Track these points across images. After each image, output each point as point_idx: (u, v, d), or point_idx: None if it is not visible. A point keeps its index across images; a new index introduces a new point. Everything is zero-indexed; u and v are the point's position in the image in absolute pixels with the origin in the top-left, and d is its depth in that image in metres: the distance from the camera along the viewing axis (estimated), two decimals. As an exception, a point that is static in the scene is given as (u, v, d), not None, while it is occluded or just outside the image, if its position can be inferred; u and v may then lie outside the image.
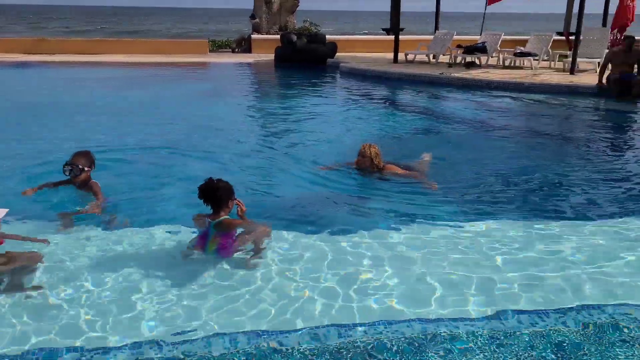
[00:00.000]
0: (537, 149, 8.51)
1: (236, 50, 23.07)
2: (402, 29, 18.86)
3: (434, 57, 18.20)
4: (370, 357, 3.29)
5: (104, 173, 6.01)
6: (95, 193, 5.44)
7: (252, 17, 23.40)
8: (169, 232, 4.97)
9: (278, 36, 20.41)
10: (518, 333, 3.51)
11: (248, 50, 22.67)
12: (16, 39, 23.80)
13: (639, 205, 5.92)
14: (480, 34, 19.04)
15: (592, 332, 3.53)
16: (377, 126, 10.08)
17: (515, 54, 16.86)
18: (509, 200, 6.03)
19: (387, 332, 3.54)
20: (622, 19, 16.61)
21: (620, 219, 5.44)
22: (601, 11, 18.43)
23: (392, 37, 19.01)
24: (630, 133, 10.35)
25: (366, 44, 23.32)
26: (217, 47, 24.02)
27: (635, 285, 4.13)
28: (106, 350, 3.34)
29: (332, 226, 5.14)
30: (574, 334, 3.51)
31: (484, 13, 20.14)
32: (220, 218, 4.39)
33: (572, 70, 15.05)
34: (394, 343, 3.41)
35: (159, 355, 3.30)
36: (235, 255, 4.45)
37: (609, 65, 12.84)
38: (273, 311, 3.76)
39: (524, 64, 16.77)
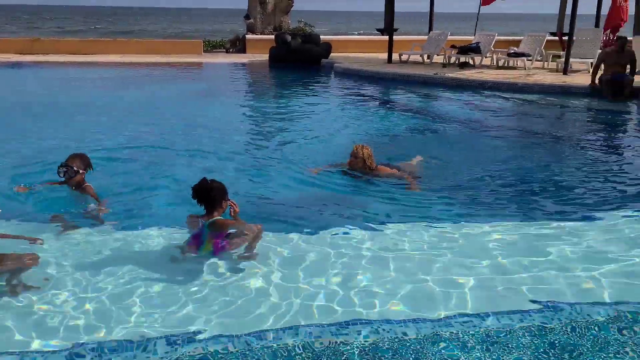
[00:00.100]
0: (530, 149, 8.55)
1: (230, 50, 23.05)
2: (396, 29, 18.91)
3: (428, 58, 18.24)
4: (367, 357, 3.30)
5: (97, 173, 6.00)
6: (91, 196, 5.45)
7: (247, 17, 23.38)
8: (162, 233, 4.97)
9: (272, 36, 20.40)
10: (511, 332, 3.54)
11: (242, 50, 22.65)
12: (10, 39, 23.71)
13: (631, 205, 5.96)
14: (474, 35, 19.09)
15: (589, 331, 3.56)
16: (371, 126, 10.10)
17: (509, 55, 16.92)
18: (503, 200, 6.06)
19: (384, 331, 3.55)
20: (616, 19, 16.69)
21: (615, 218, 5.48)
22: (594, 12, 18.51)
23: (386, 37, 19.05)
24: (622, 133, 10.41)
25: (360, 44, 23.34)
26: (212, 47, 23.99)
27: (632, 283, 4.17)
28: (101, 350, 3.34)
29: (325, 227, 5.16)
30: (571, 332, 3.54)
31: (478, 13, 20.21)
32: (214, 218, 4.39)
33: (565, 70, 15.12)
34: (390, 342, 3.43)
35: (154, 356, 3.31)
36: (229, 254, 4.45)
37: (602, 66, 12.91)
38: (269, 310, 3.77)
39: (517, 64, 16.83)
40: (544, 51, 16.90)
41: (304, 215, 5.49)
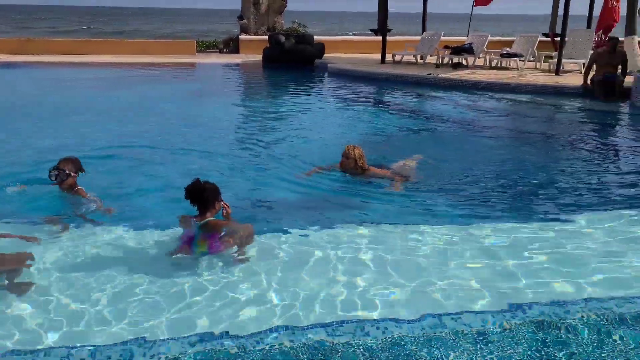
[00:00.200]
0: (523, 149, 8.59)
1: (224, 50, 23.03)
2: (389, 30, 18.93)
3: (421, 58, 18.29)
4: (364, 356, 3.31)
5: (90, 173, 5.98)
6: (85, 198, 5.44)
7: (240, 17, 23.37)
8: (155, 233, 4.96)
9: (266, 37, 20.39)
10: (507, 330, 3.56)
11: (236, 50, 22.63)
12: (2, 40, 23.59)
13: (625, 204, 6.00)
14: (467, 35, 19.15)
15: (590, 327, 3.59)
16: (365, 126, 10.12)
17: (502, 55, 16.99)
18: (496, 200, 6.09)
19: (378, 331, 3.56)
20: (607, 20, 16.77)
21: (607, 217, 5.52)
22: (586, 13, 18.60)
23: (379, 37, 19.08)
24: (614, 133, 10.48)
25: (354, 44, 23.38)
26: (205, 47, 23.96)
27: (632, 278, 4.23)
28: (96, 351, 3.34)
29: (318, 227, 5.16)
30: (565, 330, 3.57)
31: (471, 14, 20.27)
32: (206, 219, 4.39)
33: (558, 71, 15.20)
34: (384, 341, 3.44)
35: (148, 354, 3.32)
36: (221, 254, 4.46)
37: (594, 66, 12.99)
38: (265, 310, 3.78)
39: (510, 64, 16.90)
40: (536, 52, 16.98)
41: (297, 216, 5.49)
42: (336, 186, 6.39)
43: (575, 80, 14.05)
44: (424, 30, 19.84)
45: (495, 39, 19.59)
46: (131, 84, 14.77)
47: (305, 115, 11.17)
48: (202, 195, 4.40)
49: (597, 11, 17.74)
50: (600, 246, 4.82)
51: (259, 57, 19.89)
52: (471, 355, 3.30)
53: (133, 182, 6.42)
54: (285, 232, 5.04)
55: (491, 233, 5.10)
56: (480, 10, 20.77)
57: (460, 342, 3.43)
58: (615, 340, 3.45)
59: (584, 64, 14.64)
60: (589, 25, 18.19)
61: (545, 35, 19.27)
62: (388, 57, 18.29)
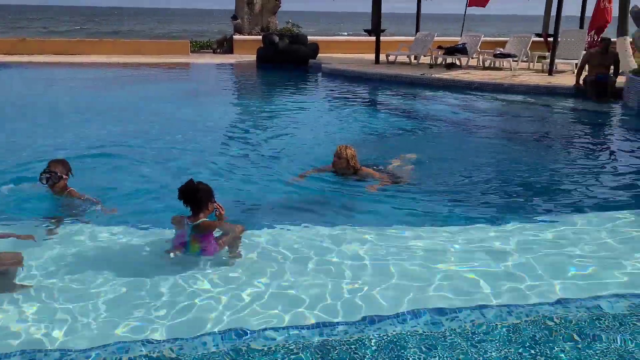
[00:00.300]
0: (516, 149, 8.63)
1: (218, 51, 22.99)
2: (383, 30, 18.96)
3: (415, 58, 18.32)
4: (356, 354, 3.33)
5: (83, 174, 5.99)
6: (78, 199, 5.42)
7: (234, 17, 23.34)
8: (147, 233, 4.97)
9: (260, 37, 20.38)
10: (499, 327, 3.59)
11: (230, 51, 22.60)
12: (-6, 39, 23.50)
13: (614, 202, 6.05)
14: (461, 36, 19.20)
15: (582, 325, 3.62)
16: (358, 127, 10.14)
17: (495, 55, 17.04)
18: (489, 199, 6.12)
19: (372, 329, 3.59)
20: (600, 20, 16.86)
21: (601, 216, 5.57)
22: (578, 13, 18.70)
23: (373, 38, 19.10)
24: (606, 133, 10.54)
25: (348, 44, 23.39)
26: (199, 47, 23.92)
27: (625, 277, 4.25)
28: (89, 351, 3.34)
29: (313, 227, 5.19)
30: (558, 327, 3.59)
31: (464, 15, 20.33)
32: (199, 220, 4.40)
33: (551, 71, 15.27)
34: (379, 339, 3.46)
35: (144, 354, 3.32)
36: (215, 254, 4.47)
37: (586, 67, 13.06)
38: (260, 309, 3.80)
39: (503, 65, 16.95)
40: (529, 52, 17.05)
41: (290, 216, 5.50)
42: (329, 186, 6.39)
43: (567, 80, 14.12)
44: (417, 30, 19.88)
45: (488, 39, 19.65)
46: (124, 84, 14.74)
47: (299, 115, 11.18)
48: (195, 196, 4.40)
49: (589, 12, 17.83)
50: (594, 245, 4.86)
51: (252, 57, 19.88)
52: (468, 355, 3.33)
53: (126, 182, 6.41)
54: (279, 232, 5.06)
55: (485, 232, 5.13)
56: (475, 10, 20.83)
57: (456, 340, 3.45)
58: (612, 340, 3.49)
59: (576, 64, 14.71)
60: (581, 26, 18.28)
61: (538, 35, 19.35)
62: (382, 57, 18.31)
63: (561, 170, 7.40)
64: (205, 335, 3.50)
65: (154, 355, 3.31)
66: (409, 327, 3.60)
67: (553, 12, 16.38)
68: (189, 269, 4.30)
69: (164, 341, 3.43)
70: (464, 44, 17.65)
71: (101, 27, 65.71)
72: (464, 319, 3.71)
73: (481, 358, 3.28)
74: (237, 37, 22.71)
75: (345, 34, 45.57)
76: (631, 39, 14.68)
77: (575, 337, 3.49)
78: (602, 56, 12.72)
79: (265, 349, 3.37)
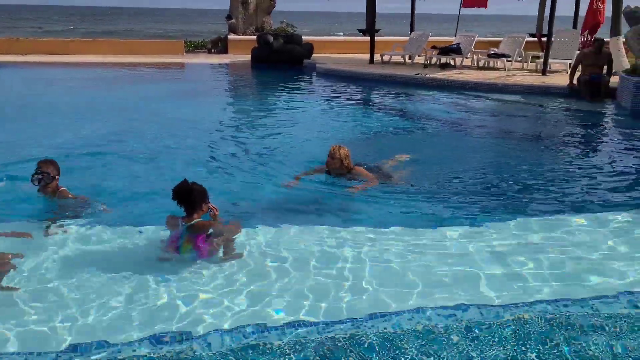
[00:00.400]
0: (510, 148, 8.66)
1: (212, 50, 22.97)
2: (378, 30, 18.97)
3: (409, 58, 18.35)
4: (352, 352, 3.34)
5: (75, 174, 5.98)
6: (68, 199, 5.38)
7: (229, 17, 23.32)
8: (142, 233, 4.96)
9: (254, 37, 20.37)
10: (495, 325, 3.61)
11: (224, 50, 22.58)
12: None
13: (606, 201, 6.08)
14: (455, 36, 19.25)
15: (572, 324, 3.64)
16: (352, 126, 10.16)
17: (489, 55, 17.10)
18: (483, 198, 6.14)
19: (367, 327, 3.60)
20: (592, 20, 16.95)
21: (593, 214, 5.62)
22: (572, 14, 18.80)
23: (368, 38, 19.12)
24: (600, 132, 10.58)
25: (342, 44, 23.41)
26: (194, 47, 23.88)
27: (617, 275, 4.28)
28: (83, 351, 3.34)
29: (307, 227, 5.20)
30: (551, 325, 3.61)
31: (459, 15, 20.38)
32: (193, 221, 4.40)
33: (544, 71, 15.32)
34: (373, 338, 3.47)
35: (139, 353, 3.32)
36: (210, 256, 4.46)
37: (580, 67, 13.12)
38: (255, 308, 3.80)
39: (497, 65, 17.00)
40: (523, 52, 17.11)
41: (285, 217, 5.49)
42: (322, 188, 6.36)
43: (561, 80, 14.18)
44: (412, 30, 19.91)
45: (482, 39, 19.69)
46: (118, 84, 14.70)
47: (293, 115, 11.18)
48: (189, 196, 4.39)
49: (582, 12, 17.93)
50: (587, 243, 4.89)
51: (247, 57, 19.87)
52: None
53: (119, 183, 6.40)
54: (273, 233, 5.06)
55: (478, 232, 5.15)
56: (469, 10, 20.89)
57: (450, 338, 3.47)
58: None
59: (570, 64, 14.78)
60: (574, 26, 18.37)
61: (532, 35, 19.42)
62: (376, 57, 18.34)
63: (554, 170, 7.43)
64: (201, 335, 3.50)
65: (152, 355, 3.31)
66: (409, 325, 3.62)
67: (547, 13, 16.44)
68: (183, 270, 4.30)
69: (161, 341, 3.43)
70: (458, 44, 17.70)
71: (95, 27, 65.46)
72: (460, 317, 3.73)
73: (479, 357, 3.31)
74: (231, 37, 22.69)
75: (342, 33, 45.54)
76: (624, 39, 14.75)
77: (577, 335, 3.52)
78: (595, 56, 12.79)
79: (265, 348, 3.38)
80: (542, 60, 15.65)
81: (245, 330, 3.55)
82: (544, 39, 16.07)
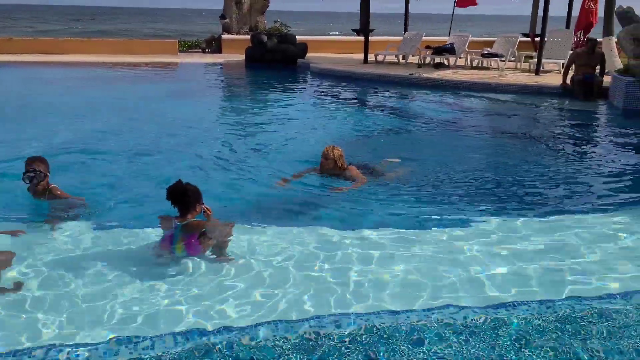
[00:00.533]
0: (503, 148, 8.69)
1: (206, 50, 22.93)
2: (372, 30, 18.99)
3: (403, 58, 18.38)
4: (347, 349, 3.35)
5: (70, 173, 5.96)
6: (59, 197, 5.32)
7: (222, 17, 23.29)
8: (136, 233, 4.95)
9: (248, 36, 20.35)
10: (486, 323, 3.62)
11: (218, 50, 22.55)
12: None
13: (600, 200, 6.12)
14: (449, 35, 19.30)
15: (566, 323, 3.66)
16: (347, 126, 10.16)
17: (483, 55, 17.14)
18: (478, 198, 6.16)
19: (361, 325, 3.61)
20: (586, 20, 17.02)
21: (587, 213, 5.66)
22: (565, 13, 18.87)
23: (362, 37, 19.14)
24: (593, 131, 10.64)
25: (336, 44, 23.41)
26: (187, 47, 23.83)
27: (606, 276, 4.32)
28: (79, 350, 3.33)
29: (303, 227, 5.20)
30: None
31: (452, 15, 20.43)
32: (187, 220, 4.39)
33: (538, 71, 15.38)
34: (372, 336, 3.48)
35: (134, 353, 3.32)
36: (200, 253, 4.47)
37: (573, 66, 13.18)
38: (246, 306, 3.81)
39: (491, 64, 17.05)
40: (516, 52, 17.17)
41: (279, 218, 5.49)
42: (316, 189, 6.36)
43: (554, 80, 14.24)
44: (406, 30, 19.94)
45: (476, 39, 19.74)
46: (112, 84, 14.66)
47: (287, 115, 11.18)
48: (183, 197, 4.38)
49: (576, 12, 18.01)
50: (581, 242, 4.91)
51: (241, 56, 19.85)
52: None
53: (113, 182, 6.38)
54: (266, 233, 5.06)
55: (473, 232, 5.17)
56: (463, 10, 20.95)
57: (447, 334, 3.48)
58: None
59: (563, 64, 14.84)
60: (567, 26, 18.44)
61: (525, 35, 19.50)
62: (370, 57, 18.36)
63: (546, 169, 7.45)
64: (192, 332, 3.51)
65: (150, 355, 3.31)
66: (403, 323, 3.64)
67: (540, 13, 16.51)
68: (176, 269, 4.29)
69: (157, 340, 3.43)
70: (452, 43, 17.74)
71: (89, 27, 65.22)
72: (454, 315, 3.74)
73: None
74: (225, 36, 22.66)
75: (337, 33, 45.50)
76: (616, 39, 14.83)
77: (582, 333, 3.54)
78: (588, 56, 12.86)
79: (255, 346, 3.38)
80: (535, 60, 15.71)
81: (238, 328, 3.55)
82: (537, 39, 16.14)
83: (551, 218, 5.52)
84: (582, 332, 3.55)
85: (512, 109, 12.31)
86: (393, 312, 3.79)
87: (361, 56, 18.54)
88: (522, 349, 3.37)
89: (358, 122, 10.60)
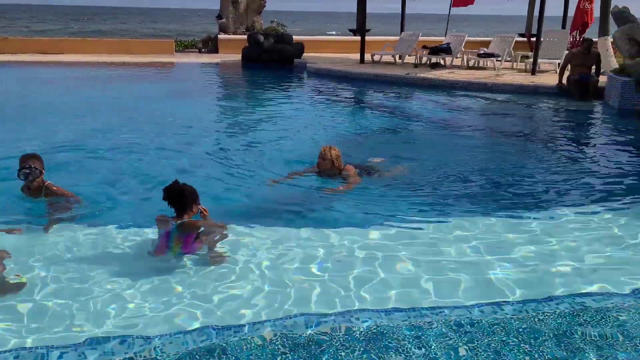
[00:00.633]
0: (500, 147, 8.71)
1: (203, 50, 22.92)
2: (368, 30, 19.01)
3: (399, 58, 18.40)
4: (344, 347, 3.35)
5: (67, 173, 5.95)
6: (56, 193, 5.29)
7: (219, 17, 23.28)
8: (132, 232, 4.95)
9: (245, 36, 20.35)
10: (483, 322, 3.63)
11: (215, 50, 22.54)
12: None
13: (595, 200, 6.14)
14: (445, 35, 19.33)
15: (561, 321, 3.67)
16: (344, 126, 10.17)
17: (479, 55, 17.17)
18: (474, 197, 6.17)
19: (358, 323, 3.62)
20: (582, 20, 17.07)
21: (584, 212, 5.67)
22: (561, 14, 18.90)
23: (358, 37, 19.15)
24: (589, 131, 10.68)
25: (333, 44, 23.41)
26: (184, 47, 23.82)
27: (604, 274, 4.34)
28: (76, 350, 3.34)
29: (300, 227, 5.21)
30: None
31: (449, 15, 20.45)
32: (183, 220, 4.40)
33: (534, 70, 15.41)
34: (367, 334, 3.49)
35: (130, 353, 3.32)
36: (197, 253, 4.48)
37: (569, 66, 13.23)
38: (245, 306, 3.81)
39: (487, 64, 17.08)
40: (512, 52, 17.21)
41: (276, 217, 5.50)
42: (312, 189, 6.36)
43: (550, 80, 14.28)
44: (402, 30, 19.96)
45: (472, 39, 19.78)
46: (109, 84, 14.63)
47: (284, 114, 11.18)
48: (180, 197, 4.39)
49: (571, 12, 18.05)
50: (578, 241, 4.93)
51: (238, 56, 19.85)
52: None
53: (110, 181, 6.38)
54: (263, 233, 5.06)
55: (469, 228, 5.18)
56: (459, 10, 20.97)
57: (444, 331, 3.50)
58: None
59: (559, 64, 14.88)
60: (563, 26, 18.49)
61: (521, 35, 19.53)
62: (367, 57, 18.37)
63: (543, 168, 7.48)
64: (190, 331, 3.51)
65: (139, 353, 3.31)
66: (400, 322, 3.65)
67: (536, 13, 16.54)
68: (172, 269, 4.30)
69: (155, 340, 3.44)
70: (448, 43, 17.77)
71: (85, 26, 65.10)
72: (454, 315, 3.76)
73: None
74: (222, 36, 22.65)
75: (334, 33, 45.53)
76: (612, 39, 14.88)
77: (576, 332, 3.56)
78: (584, 56, 12.90)
79: (255, 346, 3.39)
80: (531, 60, 15.74)
81: (235, 325, 3.56)
82: (533, 39, 16.15)
83: (548, 217, 5.54)
84: (584, 331, 3.56)
85: (508, 108, 12.34)
86: (394, 311, 3.80)
87: (358, 56, 18.55)
88: (527, 349, 3.38)
89: (354, 122, 10.61)
